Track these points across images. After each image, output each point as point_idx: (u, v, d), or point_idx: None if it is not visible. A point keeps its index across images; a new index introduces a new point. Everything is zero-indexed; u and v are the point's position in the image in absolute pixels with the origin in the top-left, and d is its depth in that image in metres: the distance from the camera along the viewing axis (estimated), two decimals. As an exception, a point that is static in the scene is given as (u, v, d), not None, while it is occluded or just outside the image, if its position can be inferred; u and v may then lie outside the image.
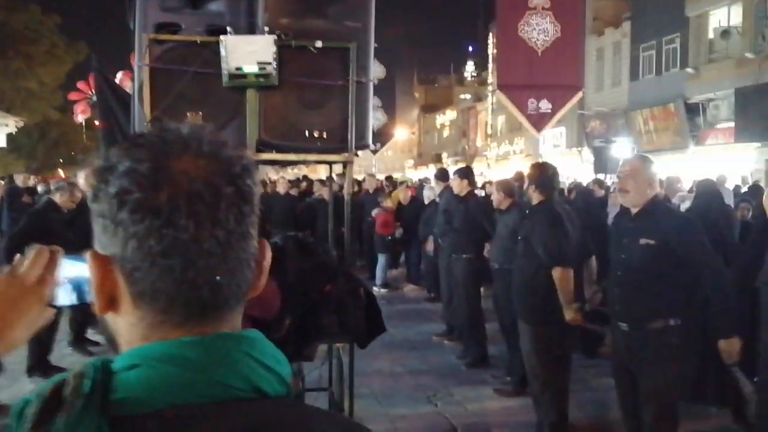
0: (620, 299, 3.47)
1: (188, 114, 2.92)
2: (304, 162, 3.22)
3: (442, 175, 7.44)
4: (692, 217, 3.99)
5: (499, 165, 33.68)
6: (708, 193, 5.68)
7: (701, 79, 20.64)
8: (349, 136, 3.04)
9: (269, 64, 2.88)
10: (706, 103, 21.00)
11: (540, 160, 5.43)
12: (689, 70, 21.11)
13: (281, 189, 11.03)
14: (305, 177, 15.40)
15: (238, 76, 2.90)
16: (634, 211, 3.48)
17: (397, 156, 56.68)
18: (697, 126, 21.14)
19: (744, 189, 12.40)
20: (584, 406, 5.34)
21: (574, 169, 24.73)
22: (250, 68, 2.87)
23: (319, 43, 2.98)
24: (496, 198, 5.82)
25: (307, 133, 3.02)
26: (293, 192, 11.81)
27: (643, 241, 3.38)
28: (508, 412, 5.19)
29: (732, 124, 19.13)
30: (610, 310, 3.59)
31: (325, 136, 3.02)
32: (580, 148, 27.31)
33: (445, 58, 73.93)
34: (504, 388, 5.62)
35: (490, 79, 33.11)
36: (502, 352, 6.13)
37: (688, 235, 3.38)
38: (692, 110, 21.18)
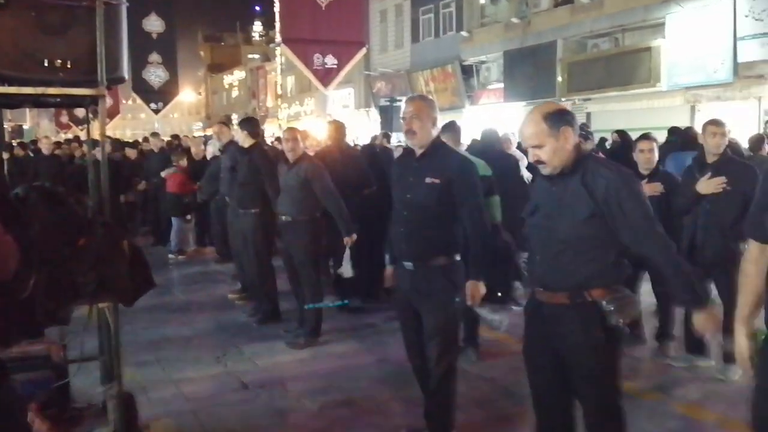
0: (406, 238, 3.51)
1: None
2: (43, 97, 2.75)
3: (250, 125, 6.72)
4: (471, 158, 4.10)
5: (291, 125, 33.53)
6: (490, 138, 6.61)
7: (474, 42, 22.01)
8: (98, 67, 2.66)
9: (-9, -23, 2.42)
10: (479, 65, 22.49)
11: (334, 119, 5.54)
12: (464, 33, 22.39)
13: (45, 150, 9.89)
14: (77, 138, 14.02)
15: (-50, -10, 2.40)
16: (419, 151, 3.52)
17: (184, 118, 54.15)
18: (471, 86, 22.61)
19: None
20: (372, 349, 5.47)
21: (363, 128, 25.34)
22: (-35, -19, 2.38)
23: (56, -44, 2.55)
24: (288, 147, 5.66)
25: (46, 62, 2.59)
26: (59, 153, 10.65)
27: (428, 179, 3.43)
28: (301, 364, 5.15)
29: (501, 85, 20.71)
30: (395, 249, 3.61)
31: (69, 66, 2.62)
32: (367, 109, 28.00)
33: (230, 16, 71.56)
34: (296, 341, 5.57)
35: (278, 38, 32.69)
36: (294, 306, 6.05)
37: (467, 174, 3.49)
38: (467, 71, 22.58)
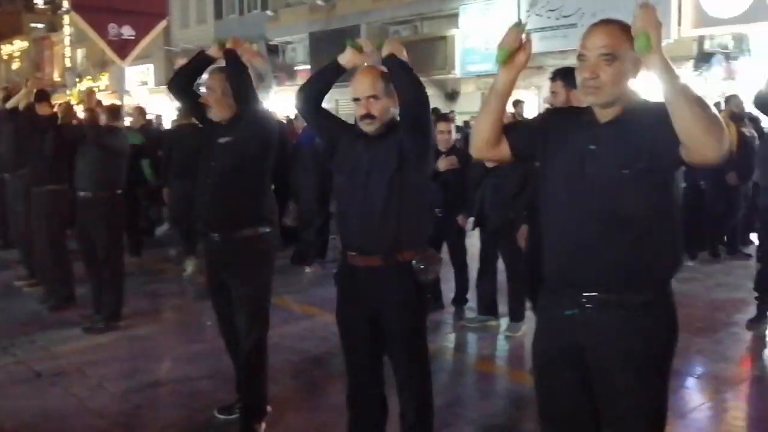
0: (211, 207, 3.46)
1: None
2: None
3: (43, 97, 6.13)
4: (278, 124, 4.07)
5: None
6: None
7: (280, 22, 21.87)
8: None
9: None
10: (285, 45, 22.40)
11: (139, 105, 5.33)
12: (269, 12, 22.15)
13: None
14: None
15: None
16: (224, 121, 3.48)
17: (-48, 91, 47.84)
18: (278, 67, 22.45)
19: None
20: (178, 330, 5.34)
21: (163, 106, 24.18)
22: None
23: None
24: (89, 118, 5.29)
25: None
26: None
27: (221, 140, 3.41)
28: (101, 349, 4.87)
29: (308, 67, 20.81)
30: (202, 220, 3.55)
31: None
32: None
33: (7, -21, 64.14)
34: (94, 326, 5.24)
35: (66, 5, 29.88)
36: (89, 290, 5.68)
37: (261, 122, 3.48)
38: (273, 52, 22.38)
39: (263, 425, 3.55)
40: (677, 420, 3.59)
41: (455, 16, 16.61)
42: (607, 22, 2.08)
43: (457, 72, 16.55)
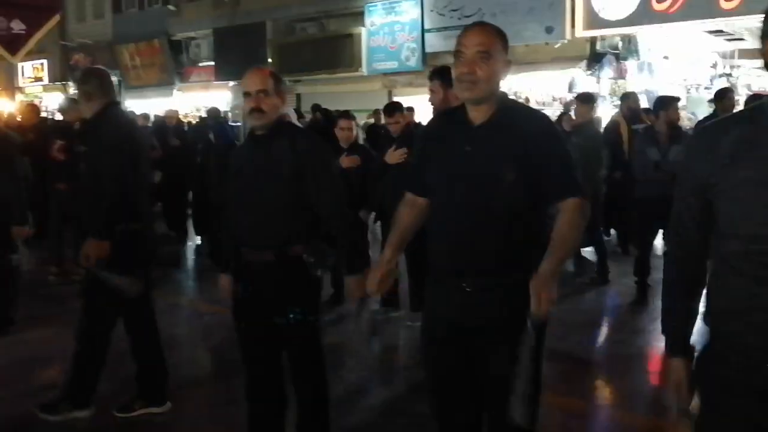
0: (85, 208, 3.49)
1: None
2: None
3: None
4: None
5: (-31, 99, 29.10)
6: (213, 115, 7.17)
7: (183, 17, 21.28)
8: None
9: None
10: (189, 41, 21.84)
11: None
12: (171, 7, 21.53)
13: None
14: None
15: None
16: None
17: None
18: (181, 63, 21.88)
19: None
20: (71, 332, 5.17)
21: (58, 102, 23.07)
22: None
23: None
24: None
25: None
26: None
27: (81, 148, 3.47)
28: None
29: (212, 63, 20.39)
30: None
31: None
32: (65, 83, 25.58)
33: None
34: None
35: (-52, -4, 27.97)
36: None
37: (105, 146, 3.46)
38: (176, 47, 21.78)
39: (85, 413, 3.69)
40: (563, 396, 3.84)
41: (361, 14, 16.74)
42: (483, 24, 2.25)
43: (364, 70, 16.70)
